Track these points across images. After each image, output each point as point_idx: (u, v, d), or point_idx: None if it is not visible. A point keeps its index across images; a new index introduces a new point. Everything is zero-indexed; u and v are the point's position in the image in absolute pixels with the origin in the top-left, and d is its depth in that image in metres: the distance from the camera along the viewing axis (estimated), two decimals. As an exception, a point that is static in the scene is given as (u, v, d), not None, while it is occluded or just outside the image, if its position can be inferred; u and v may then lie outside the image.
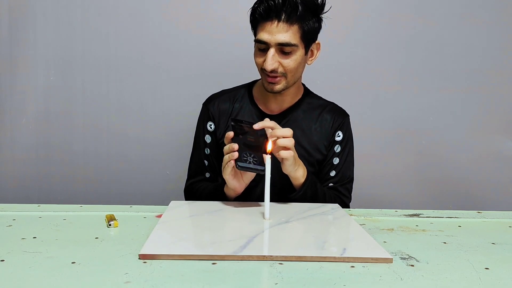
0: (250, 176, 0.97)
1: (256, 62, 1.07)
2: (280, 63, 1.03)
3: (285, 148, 0.94)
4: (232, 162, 0.91)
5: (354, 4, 1.60)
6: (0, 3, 1.54)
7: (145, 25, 1.58)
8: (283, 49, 1.02)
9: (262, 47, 1.04)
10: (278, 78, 1.04)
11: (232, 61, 1.58)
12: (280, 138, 0.93)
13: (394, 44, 1.63)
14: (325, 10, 1.06)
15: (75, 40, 1.57)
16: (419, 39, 1.63)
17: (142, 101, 1.61)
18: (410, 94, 1.65)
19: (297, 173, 1.01)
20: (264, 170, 0.89)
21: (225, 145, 1.11)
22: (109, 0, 1.56)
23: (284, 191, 1.05)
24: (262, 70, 1.06)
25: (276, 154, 0.95)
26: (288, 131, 0.95)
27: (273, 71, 1.03)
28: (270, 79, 1.05)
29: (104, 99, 1.60)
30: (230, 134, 0.93)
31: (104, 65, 1.58)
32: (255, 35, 1.06)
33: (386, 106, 1.65)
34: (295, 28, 1.01)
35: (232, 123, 0.95)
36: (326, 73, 1.57)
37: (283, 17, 1.00)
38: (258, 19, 1.03)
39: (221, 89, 1.21)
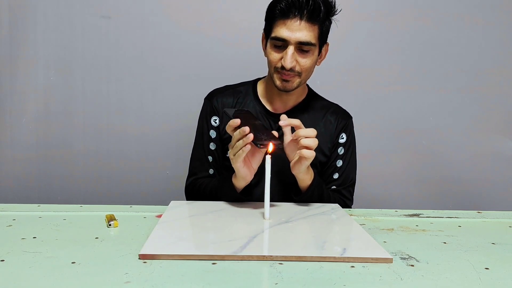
0: (258, 161, 0.96)
1: (269, 59, 1.05)
2: (298, 62, 1.02)
3: (307, 148, 0.93)
4: (248, 146, 0.88)
5: (354, 4, 1.60)
6: (0, 3, 1.54)
7: (145, 25, 1.58)
8: (302, 47, 1.01)
9: (279, 44, 1.02)
10: (292, 76, 1.04)
11: (232, 61, 1.58)
12: (303, 138, 0.92)
13: (394, 44, 1.63)
14: (336, 13, 1.06)
15: (75, 40, 1.57)
16: (419, 39, 1.63)
17: (142, 101, 1.61)
18: (410, 94, 1.65)
19: (307, 175, 1.00)
20: (282, 144, 0.92)
21: (227, 140, 1.11)
22: (109, 0, 1.56)
23: (289, 192, 1.05)
24: (275, 68, 1.04)
25: (297, 152, 0.94)
26: (312, 132, 0.94)
27: (290, 69, 1.02)
28: (285, 77, 1.04)
29: (104, 99, 1.60)
30: (236, 121, 0.90)
31: (104, 65, 1.58)
32: (270, 31, 1.04)
33: (386, 106, 1.65)
34: (315, 28, 1.01)
35: (225, 114, 0.93)
36: (326, 73, 1.57)
37: (305, 16, 0.99)
38: (277, 15, 1.01)
39: (225, 85, 1.20)
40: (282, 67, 1.02)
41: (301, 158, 0.94)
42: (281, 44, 1.02)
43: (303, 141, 0.92)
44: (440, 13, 1.62)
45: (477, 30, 1.63)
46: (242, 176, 0.96)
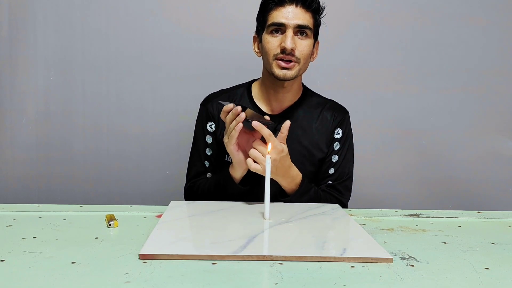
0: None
1: (267, 48, 1.05)
2: (296, 46, 1.04)
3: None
4: (240, 125, 0.90)
5: (354, 4, 1.60)
6: (0, 3, 1.54)
7: (145, 25, 1.58)
8: (300, 31, 1.04)
9: (276, 32, 1.04)
10: (292, 63, 1.04)
11: (232, 61, 1.58)
12: (256, 150, 0.93)
13: (394, 44, 1.63)
14: (323, 15, 1.10)
15: (75, 40, 1.57)
16: (419, 39, 1.63)
17: (142, 101, 1.61)
18: (410, 94, 1.65)
19: (284, 180, 1.02)
20: (274, 123, 0.94)
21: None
22: (109, 0, 1.56)
23: (275, 191, 1.04)
24: (274, 56, 1.04)
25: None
26: (268, 151, 0.94)
27: (290, 53, 1.03)
28: (284, 64, 1.04)
29: (104, 99, 1.60)
30: (230, 105, 0.93)
31: (104, 65, 1.58)
32: (265, 22, 1.06)
33: (386, 106, 1.65)
34: (310, 15, 1.05)
35: (219, 104, 0.96)
36: (326, 73, 1.58)
37: (300, 2, 1.03)
38: (272, 5, 1.04)
39: (220, 89, 1.21)
40: (282, 51, 1.03)
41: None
42: (279, 31, 1.04)
43: (255, 153, 0.93)
44: (441, 13, 1.62)
45: (477, 30, 1.63)
46: (238, 162, 0.97)
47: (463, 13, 1.62)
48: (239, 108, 0.91)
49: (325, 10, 1.09)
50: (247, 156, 0.96)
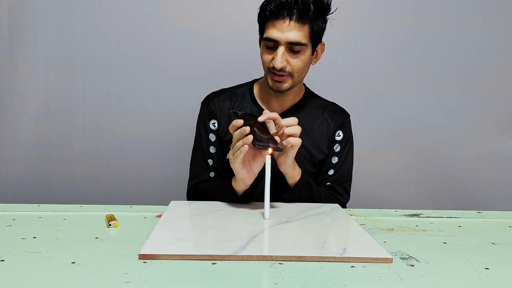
0: (259, 165, 0.95)
1: (263, 60, 1.06)
2: (288, 62, 1.02)
3: (293, 136, 0.93)
4: (246, 147, 0.88)
5: (353, 4, 1.60)
6: (0, 3, 1.54)
7: (145, 24, 1.58)
8: (293, 48, 1.01)
9: (270, 45, 1.02)
10: (284, 77, 1.04)
11: (232, 61, 1.59)
12: (285, 128, 0.93)
13: (394, 44, 1.63)
14: (331, 11, 1.05)
15: (75, 40, 1.57)
16: (419, 39, 1.63)
17: (142, 101, 1.61)
18: (410, 94, 1.65)
19: (294, 170, 1.01)
20: (280, 148, 0.91)
21: (226, 142, 1.12)
22: (109, 0, 1.56)
23: (279, 191, 1.04)
24: (268, 68, 1.04)
25: (284, 143, 0.93)
26: (293, 120, 0.94)
27: (281, 69, 1.02)
28: (277, 78, 1.04)
29: (104, 99, 1.60)
30: (239, 121, 0.90)
31: (104, 65, 1.59)
32: (262, 32, 1.04)
33: (386, 106, 1.65)
34: (306, 27, 1.01)
35: (233, 114, 0.93)
36: (326, 73, 1.58)
37: (295, 15, 0.99)
38: (268, 16, 1.01)
39: (220, 88, 1.21)
40: (274, 67, 1.02)
41: (287, 149, 0.95)
42: (273, 45, 1.02)
43: (286, 129, 0.93)
44: (440, 13, 1.62)
45: (477, 29, 1.63)
46: (241, 178, 0.96)
47: (462, 13, 1.62)
48: (247, 129, 0.88)
49: (332, 7, 1.04)
50: (251, 174, 0.96)
